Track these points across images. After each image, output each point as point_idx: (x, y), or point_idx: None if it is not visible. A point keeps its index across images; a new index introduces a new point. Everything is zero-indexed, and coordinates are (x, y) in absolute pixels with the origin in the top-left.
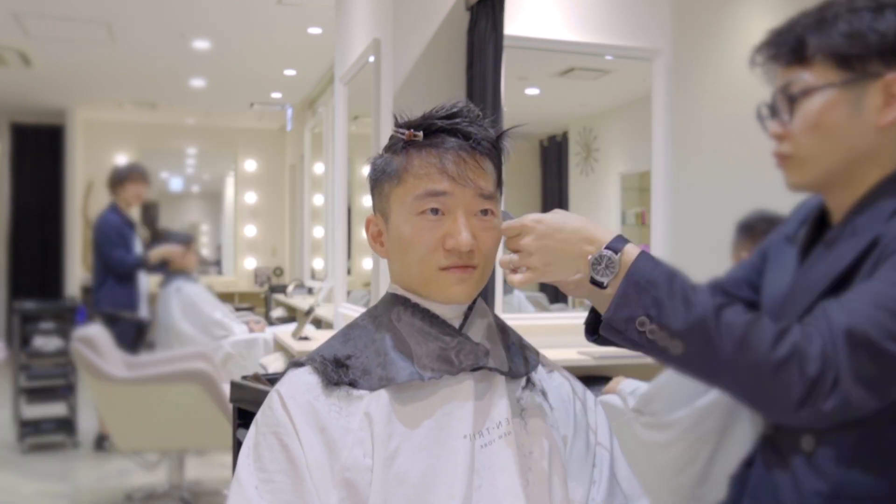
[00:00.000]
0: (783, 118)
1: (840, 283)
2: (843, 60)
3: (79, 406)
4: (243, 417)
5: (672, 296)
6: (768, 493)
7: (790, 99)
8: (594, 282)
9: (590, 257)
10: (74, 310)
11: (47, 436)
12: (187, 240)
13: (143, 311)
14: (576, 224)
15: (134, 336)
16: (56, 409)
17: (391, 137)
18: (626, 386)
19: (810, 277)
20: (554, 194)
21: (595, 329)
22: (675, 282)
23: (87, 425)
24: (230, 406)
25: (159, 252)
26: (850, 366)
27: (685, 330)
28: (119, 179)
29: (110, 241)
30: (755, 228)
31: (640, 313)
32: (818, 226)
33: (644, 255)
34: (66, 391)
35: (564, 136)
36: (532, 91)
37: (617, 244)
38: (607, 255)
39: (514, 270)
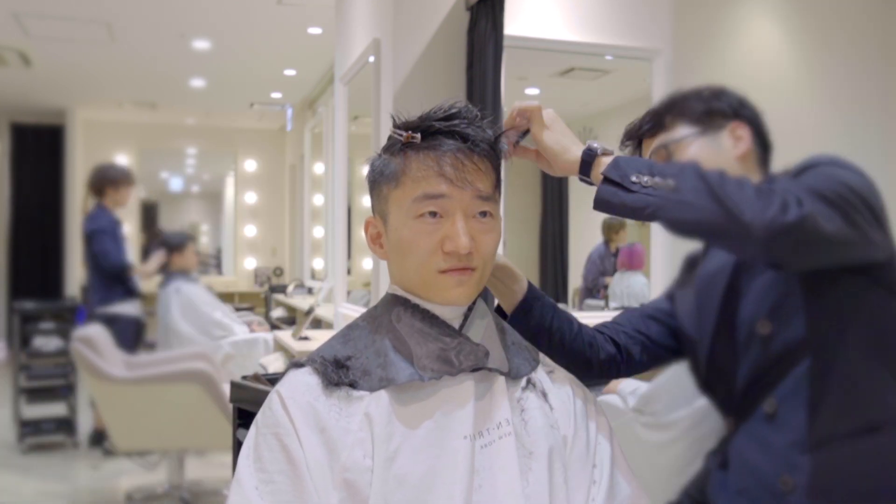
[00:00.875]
0: None
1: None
2: (695, 120)
3: (79, 406)
4: (243, 417)
5: (651, 162)
6: (747, 473)
7: (667, 153)
8: (588, 153)
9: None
10: (74, 310)
11: (47, 436)
12: (182, 240)
13: (139, 311)
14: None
15: (132, 336)
16: (56, 409)
17: (389, 138)
18: (626, 386)
19: (709, 270)
20: (554, 195)
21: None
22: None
23: (87, 425)
24: (230, 406)
25: (153, 265)
26: (810, 201)
27: (677, 170)
28: (113, 181)
29: (108, 238)
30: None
31: (633, 170)
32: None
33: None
34: (66, 391)
35: None
36: (532, 91)
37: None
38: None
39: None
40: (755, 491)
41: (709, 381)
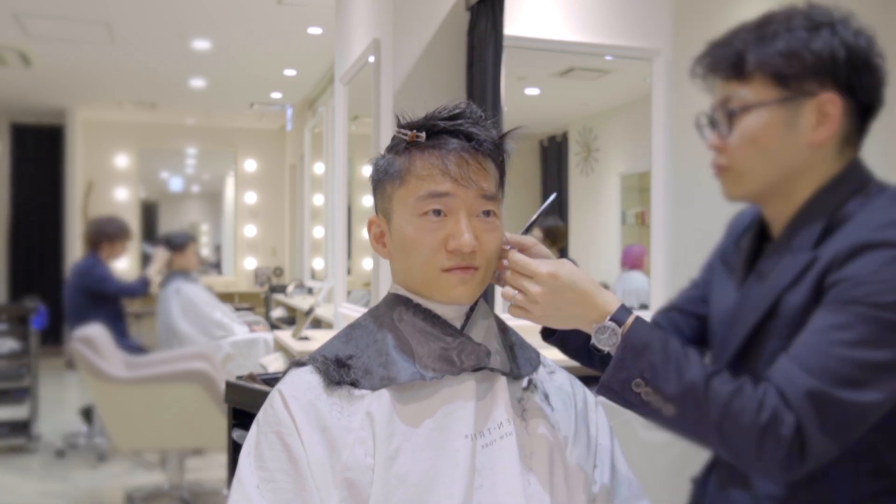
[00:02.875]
0: (722, 131)
1: (780, 303)
2: (781, 78)
3: (40, 409)
4: (238, 417)
5: (666, 360)
6: (738, 484)
7: (729, 114)
8: (595, 348)
9: (594, 326)
10: (34, 310)
11: (4, 440)
12: (184, 240)
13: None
14: (585, 287)
15: None
16: (13, 413)
17: (393, 138)
18: None
19: (753, 296)
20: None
21: (549, 334)
22: (670, 347)
23: (46, 427)
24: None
25: (157, 266)
26: (817, 424)
27: (677, 395)
28: (110, 237)
29: (109, 279)
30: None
31: (636, 375)
32: (759, 237)
33: (640, 320)
34: (21, 394)
35: (564, 136)
36: (532, 91)
37: (621, 316)
38: (611, 326)
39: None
40: None
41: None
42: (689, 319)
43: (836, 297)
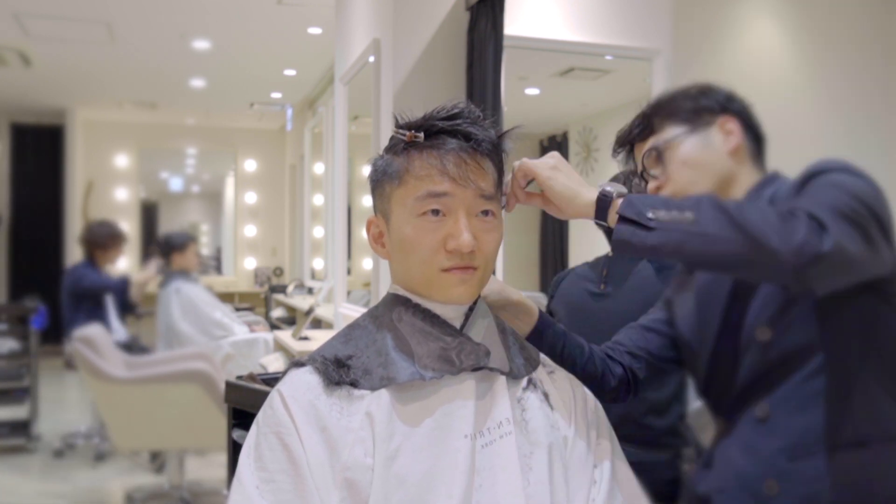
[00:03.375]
0: (655, 173)
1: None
2: (684, 117)
3: (40, 409)
4: (238, 417)
5: (668, 199)
6: (731, 475)
7: (657, 155)
8: (602, 200)
9: (602, 183)
10: (34, 310)
11: (4, 440)
12: (184, 240)
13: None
14: None
15: None
16: (14, 413)
17: (392, 138)
18: None
19: (710, 277)
20: None
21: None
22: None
23: (46, 427)
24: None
25: (143, 276)
26: (832, 223)
27: (694, 203)
28: (102, 245)
29: (83, 275)
30: None
31: (648, 207)
32: None
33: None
34: (21, 394)
35: (564, 136)
36: (532, 91)
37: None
38: (618, 185)
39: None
40: (736, 492)
41: (707, 385)
42: (656, 335)
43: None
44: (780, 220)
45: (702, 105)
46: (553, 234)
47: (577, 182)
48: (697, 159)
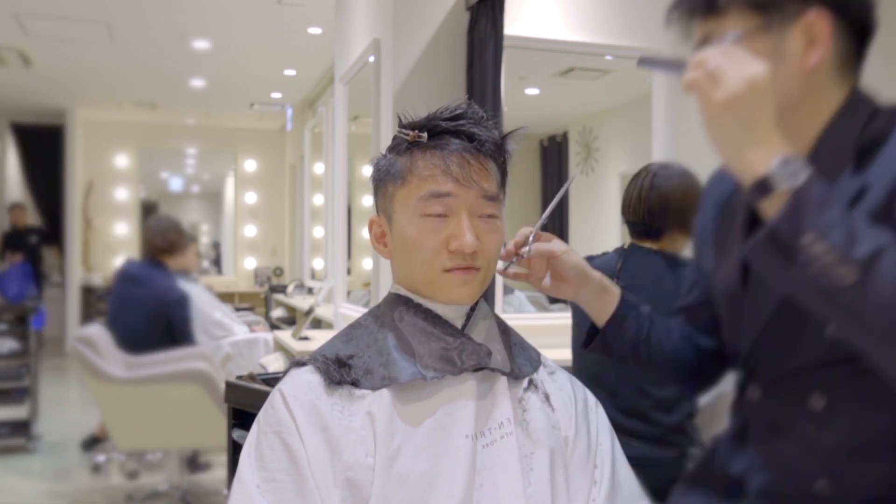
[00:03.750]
0: None
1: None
2: (758, 4)
3: (40, 409)
4: (238, 417)
5: (846, 218)
6: (774, 467)
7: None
8: (764, 184)
9: (779, 155)
10: (34, 310)
11: (4, 440)
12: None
13: None
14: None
15: None
16: (14, 413)
17: (395, 138)
18: None
19: None
20: (554, 194)
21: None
22: (846, 208)
23: (46, 428)
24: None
25: None
26: None
27: (865, 258)
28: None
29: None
30: None
31: (809, 229)
32: None
33: (816, 172)
34: (21, 394)
35: (564, 136)
36: (532, 91)
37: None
38: (799, 160)
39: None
40: (781, 485)
41: (749, 359)
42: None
43: None
44: None
45: None
46: (553, 223)
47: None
48: (756, 84)
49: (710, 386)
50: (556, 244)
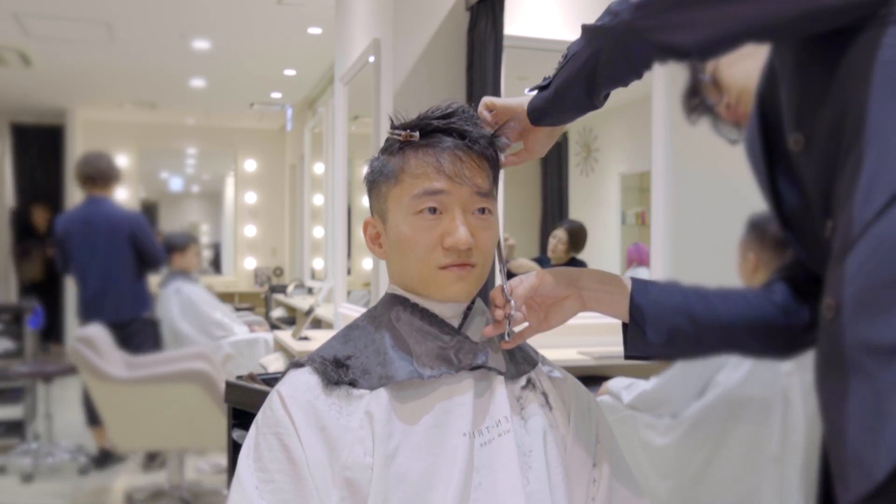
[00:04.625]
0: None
1: None
2: None
3: (38, 409)
4: (238, 417)
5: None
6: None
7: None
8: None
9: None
10: (31, 310)
11: (2, 439)
12: (185, 241)
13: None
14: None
15: (153, 336)
16: (12, 413)
17: (387, 139)
18: (618, 383)
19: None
20: (554, 194)
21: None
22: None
23: (44, 429)
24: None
25: None
26: None
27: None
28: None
29: (151, 231)
30: (766, 230)
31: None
32: None
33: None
34: (17, 393)
35: (564, 136)
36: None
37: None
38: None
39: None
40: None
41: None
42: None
43: None
44: None
45: None
46: (552, 201)
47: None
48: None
49: (802, 349)
50: (527, 279)
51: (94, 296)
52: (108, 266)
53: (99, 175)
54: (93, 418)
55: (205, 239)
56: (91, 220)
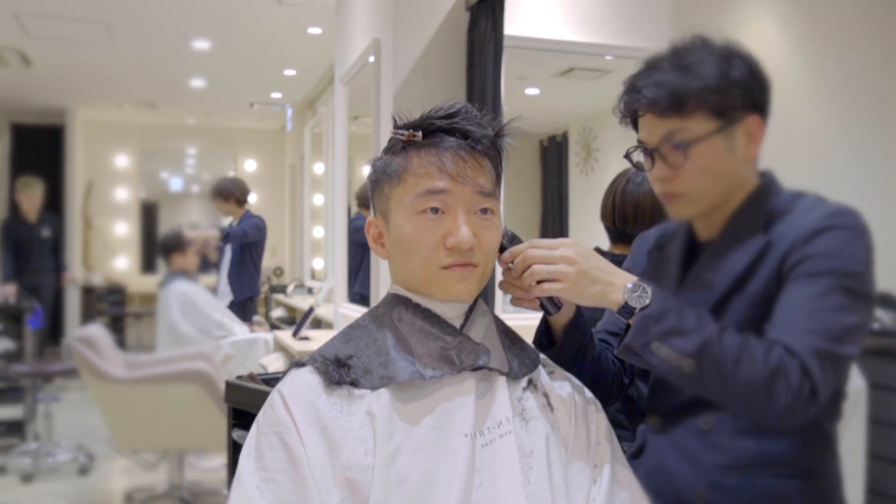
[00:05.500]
0: (671, 162)
1: (741, 282)
2: (718, 112)
3: (37, 409)
4: (238, 417)
5: (682, 321)
6: (663, 477)
7: (677, 146)
8: (627, 308)
9: (629, 285)
10: (30, 310)
11: (1, 439)
12: (184, 242)
13: None
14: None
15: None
16: (11, 413)
17: (390, 139)
18: None
19: (706, 280)
20: (554, 194)
21: (548, 342)
22: (684, 311)
23: (42, 428)
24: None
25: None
26: (823, 378)
27: (694, 351)
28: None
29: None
30: None
31: (654, 338)
32: (687, 244)
33: (658, 290)
34: (16, 393)
35: (564, 136)
36: (532, 91)
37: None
38: (643, 285)
39: (537, 283)
40: (667, 493)
41: (655, 387)
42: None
43: (807, 271)
44: (769, 379)
45: (736, 97)
46: (553, 234)
47: (603, 279)
48: (718, 166)
49: (616, 400)
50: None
51: None
52: None
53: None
54: None
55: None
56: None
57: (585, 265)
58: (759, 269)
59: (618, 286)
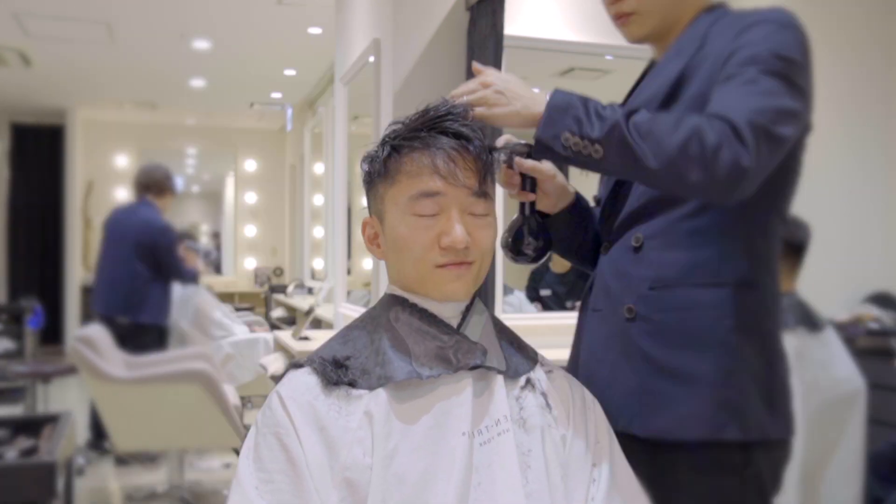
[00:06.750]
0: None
1: (677, 88)
2: None
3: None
4: None
5: (588, 112)
6: (603, 295)
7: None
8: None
9: (548, 95)
10: (30, 310)
11: None
12: (202, 249)
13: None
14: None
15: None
16: (10, 412)
17: (384, 139)
18: None
19: (645, 95)
20: None
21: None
22: (589, 103)
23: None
24: (230, 406)
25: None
26: (755, 147)
27: (602, 136)
28: (160, 185)
29: (175, 245)
30: None
31: (564, 129)
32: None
33: (559, 89)
34: (18, 393)
35: None
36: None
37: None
38: (562, 92)
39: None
40: (607, 312)
41: (602, 210)
42: None
43: (738, 61)
44: (700, 148)
45: None
46: None
47: (524, 95)
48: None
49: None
50: (545, 164)
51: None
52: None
53: (153, 184)
54: None
55: (204, 239)
56: (119, 220)
57: (503, 85)
58: (694, 73)
59: (539, 100)
